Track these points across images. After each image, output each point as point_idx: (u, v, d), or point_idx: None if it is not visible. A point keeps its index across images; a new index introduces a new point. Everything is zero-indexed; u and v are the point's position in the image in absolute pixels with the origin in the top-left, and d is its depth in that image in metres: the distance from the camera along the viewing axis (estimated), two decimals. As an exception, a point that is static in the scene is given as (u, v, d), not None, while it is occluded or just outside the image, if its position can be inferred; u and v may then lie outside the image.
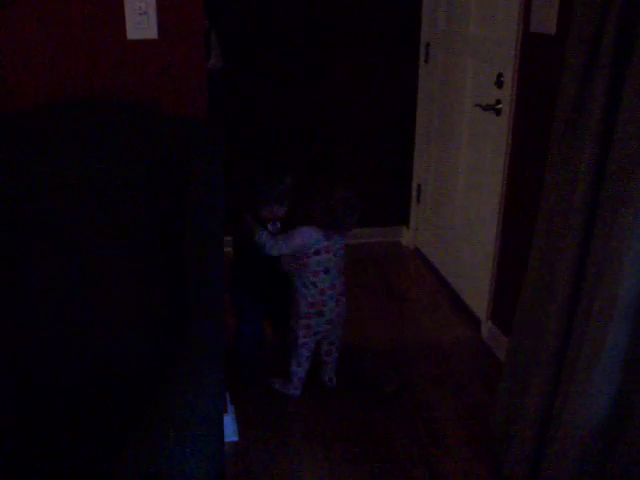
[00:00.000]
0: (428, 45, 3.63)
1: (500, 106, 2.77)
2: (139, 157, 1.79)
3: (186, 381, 1.62)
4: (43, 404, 1.69)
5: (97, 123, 1.83)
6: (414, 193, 3.97)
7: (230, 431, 2.31)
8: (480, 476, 2.21)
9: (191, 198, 1.74)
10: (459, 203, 3.36)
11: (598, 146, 1.75)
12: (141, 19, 1.84)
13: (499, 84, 2.76)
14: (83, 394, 1.70)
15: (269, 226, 2.34)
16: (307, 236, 2.35)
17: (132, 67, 1.90)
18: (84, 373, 1.75)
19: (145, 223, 1.79)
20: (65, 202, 1.77)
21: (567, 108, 1.83)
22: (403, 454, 2.31)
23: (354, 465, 2.25)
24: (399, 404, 2.57)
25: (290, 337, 2.56)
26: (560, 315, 1.92)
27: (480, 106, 2.89)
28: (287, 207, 2.36)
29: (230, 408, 2.38)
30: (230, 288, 2.55)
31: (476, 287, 3.16)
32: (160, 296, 1.79)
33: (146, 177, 1.78)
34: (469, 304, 3.29)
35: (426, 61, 3.67)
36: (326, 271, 2.43)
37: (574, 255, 1.86)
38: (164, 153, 1.79)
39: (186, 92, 1.97)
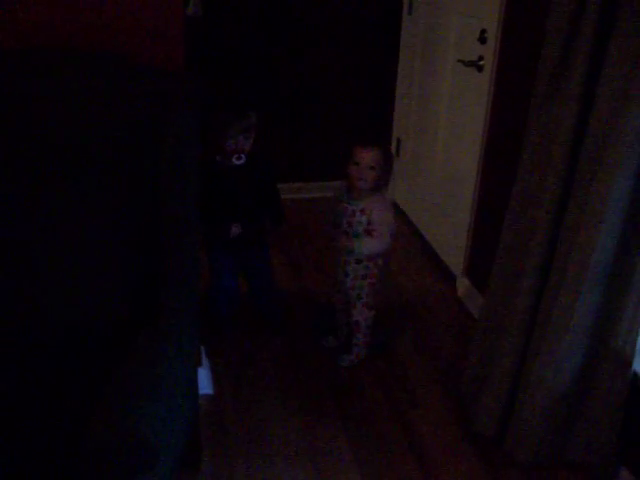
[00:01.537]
0: (412, -4, 3.57)
1: (482, 62, 2.74)
2: (110, 111, 1.74)
3: (159, 337, 1.63)
4: (9, 361, 1.68)
5: (62, 73, 1.76)
6: (393, 146, 3.95)
7: (205, 384, 2.33)
8: (452, 433, 2.25)
9: (165, 156, 1.71)
10: (438, 158, 3.35)
11: (580, 107, 1.75)
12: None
13: (482, 40, 2.73)
14: (52, 354, 1.69)
15: (234, 159, 2.34)
16: (386, 207, 2.36)
17: (102, 13, 1.81)
18: (54, 332, 1.73)
19: (118, 179, 1.75)
20: (31, 158, 1.73)
21: (550, 67, 1.81)
22: (376, 411, 2.35)
23: (327, 421, 2.29)
24: (373, 362, 2.60)
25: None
26: (533, 277, 1.94)
27: (462, 62, 2.86)
28: (252, 141, 2.38)
29: (205, 361, 2.39)
30: (205, 243, 2.54)
31: (453, 243, 3.18)
32: (135, 253, 1.78)
33: (118, 132, 1.74)
34: (445, 259, 3.31)
35: (410, 13, 3.61)
36: None
37: (550, 217, 1.87)
38: (136, 107, 1.74)
39: (162, 42, 1.90)
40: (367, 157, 2.25)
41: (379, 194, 2.34)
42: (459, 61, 2.90)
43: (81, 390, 1.56)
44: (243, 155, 2.36)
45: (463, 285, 3.04)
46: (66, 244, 1.73)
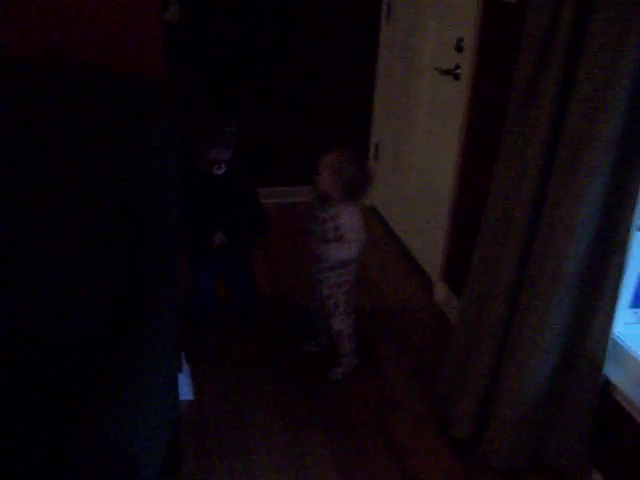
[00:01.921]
0: (390, 3, 3.60)
1: (459, 71, 2.79)
2: (91, 119, 1.76)
3: (141, 343, 1.65)
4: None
5: (42, 83, 1.78)
6: (372, 151, 3.98)
7: (185, 390, 2.34)
8: (429, 435, 2.29)
9: (148, 161, 1.72)
10: (416, 164, 3.39)
11: (554, 114, 1.78)
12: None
13: (459, 49, 2.77)
14: (37, 355, 1.70)
15: (214, 169, 2.36)
16: (355, 214, 2.36)
17: (79, 20, 1.82)
18: (38, 332, 1.75)
19: (101, 183, 1.77)
20: (15, 163, 1.74)
21: (525, 76, 1.85)
22: (356, 414, 2.38)
23: (308, 425, 2.31)
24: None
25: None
26: (507, 284, 1.98)
27: (439, 70, 2.90)
28: (232, 151, 2.40)
29: (185, 367, 2.41)
30: (186, 249, 2.56)
31: (430, 248, 3.22)
32: (117, 258, 1.79)
33: (102, 137, 1.75)
34: (422, 264, 3.35)
35: (388, 19, 3.64)
36: None
37: (524, 225, 1.91)
38: (118, 114, 1.75)
39: (140, 48, 1.91)
40: (325, 160, 2.29)
41: (351, 203, 2.34)
42: (436, 69, 2.94)
43: (65, 392, 1.58)
44: (223, 165, 2.38)
45: (440, 290, 3.08)
46: (50, 244, 1.74)
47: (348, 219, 2.33)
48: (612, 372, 1.96)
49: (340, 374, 2.56)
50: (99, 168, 1.75)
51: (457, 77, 2.80)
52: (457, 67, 2.79)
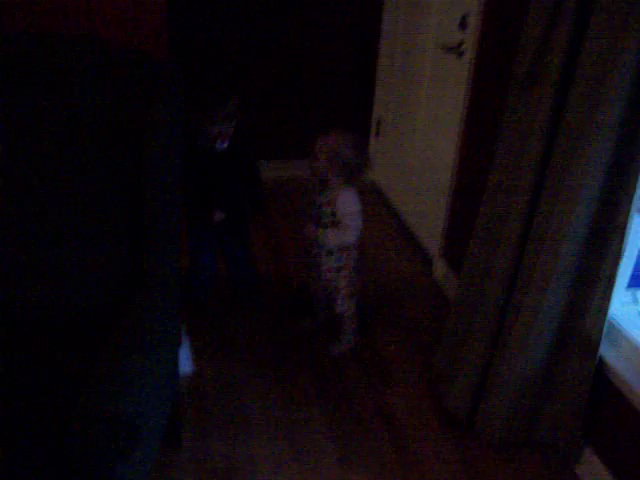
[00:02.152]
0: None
1: (463, 48, 2.77)
2: (95, 94, 1.76)
3: (142, 315, 1.67)
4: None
5: (46, 57, 1.78)
6: (373, 127, 3.98)
7: (185, 362, 2.37)
8: (425, 412, 2.32)
9: (151, 141, 1.73)
10: (418, 140, 3.39)
11: (556, 97, 1.78)
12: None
13: (463, 25, 2.76)
14: (38, 330, 1.73)
15: (217, 144, 2.37)
16: (352, 198, 2.33)
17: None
18: (41, 307, 1.77)
19: (105, 156, 1.78)
20: (22, 138, 1.75)
21: (529, 54, 1.83)
22: (353, 390, 2.42)
23: (305, 399, 2.35)
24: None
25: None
26: (506, 263, 2.00)
27: (443, 47, 2.89)
28: (235, 126, 2.39)
29: (186, 340, 2.44)
30: (186, 223, 2.57)
31: (430, 225, 3.23)
32: (119, 234, 1.81)
33: (105, 112, 1.76)
34: (422, 241, 3.37)
35: (392, -6, 3.62)
36: None
37: (524, 205, 1.92)
38: (122, 89, 1.76)
39: (144, 24, 1.91)
40: (321, 142, 2.24)
41: (349, 187, 2.31)
42: (439, 47, 2.93)
43: (69, 369, 1.61)
44: (226, 140, 2.39)
45: (439, 267, 3.10)
46: (51, 222, 1.75)
47: (346, 203, 2.30)
48: (606, 351, 1.99)
49: (339, 350, 2.59)
50: (101, 145, 1.76)
51: (461, 54, 2.79)
52: (461, 44, 2.78)
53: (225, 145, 2.38)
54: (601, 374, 1.98)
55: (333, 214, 2.31)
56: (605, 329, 1.93)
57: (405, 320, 2.83)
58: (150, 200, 1.79)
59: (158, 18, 1.91)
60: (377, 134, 3.95)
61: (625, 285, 2.03)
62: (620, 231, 1.79)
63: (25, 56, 1.76)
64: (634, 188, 1.73)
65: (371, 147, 4.04)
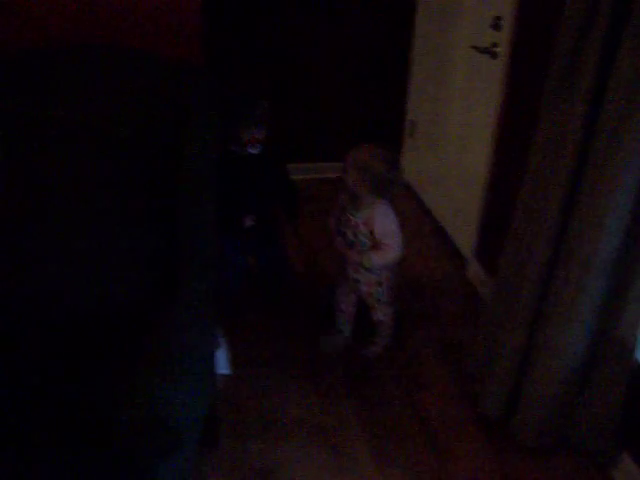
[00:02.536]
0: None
1: (496, 49, 2.76)
2: (135, 102, 1.80)
3: (178, 319, 1.71)
4: (37, 341, 1.76)
5: (86, 67, 1.82)
6: (407, 129, 3.98)
7: (222, 364, 2.40)
8: (459, 413, 2.33)
9: (187, 148, 1.77)
10: (451, 141, 3.38)
11: (591, 100, 1.77)
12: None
13: (496, 27, 2.74)
14: (76, 337, 1.77)
15: (248, 148, 2.39)
16: (388, 214, 2.27)
17: (121, 9, 1.85)
18: (77, 314, 1.81)
19: (140, 168, 1.82)
20: (60, 146, 1.80)
21: (563, 57, 1.82)
22: (386, 392, 2.43)
23: (340, 401, 2.37)
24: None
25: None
26: (541, 265, 1.99)
27: (476, 48, 2.88)
28: (266, 130, 2.40)
29: (223, 342, 2.47)
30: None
31: (464, 226, 3.23)
32: (155, 239, 1.85)
33: (141, 123, 1.80)
34: (456, 242, 3.36)
35: (425, -5, 3.62)
36: None
37: (559, 207, 1.91)
38: (158, 100, 1.80)
39: (180, 33, 1.93)
40: (351, 156, 2.19)
41: (381, 202, 2.25)
42: (473, 47, 2.92)
43: (103, 368, 1.65)
44: (258, 144, 2.41)
45: (473, 268, 3.09)
46: (86, 224, 1.80)
47: (384, 223, 2.24)
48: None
49: (375, 353, 2.60)
50: (139, 146, 1.80)
51: (494, 56, 2.78)
52: (494, 45, 2.77)
53: (257, 149, 2.40)
54: (637, 378, 1.97)
55: (371, 233, 2.26)
56: (640, 334, 1.92)
57: (438, 320, 2.83)
58: (184, 203, 1.83)
59: (194, 24, 1.93)
60: (411, 135, 3.95)
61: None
62: (657, 234, 1.77)
63: (62, 69, 1.81)
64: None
65: (405, 149, 4.04)
